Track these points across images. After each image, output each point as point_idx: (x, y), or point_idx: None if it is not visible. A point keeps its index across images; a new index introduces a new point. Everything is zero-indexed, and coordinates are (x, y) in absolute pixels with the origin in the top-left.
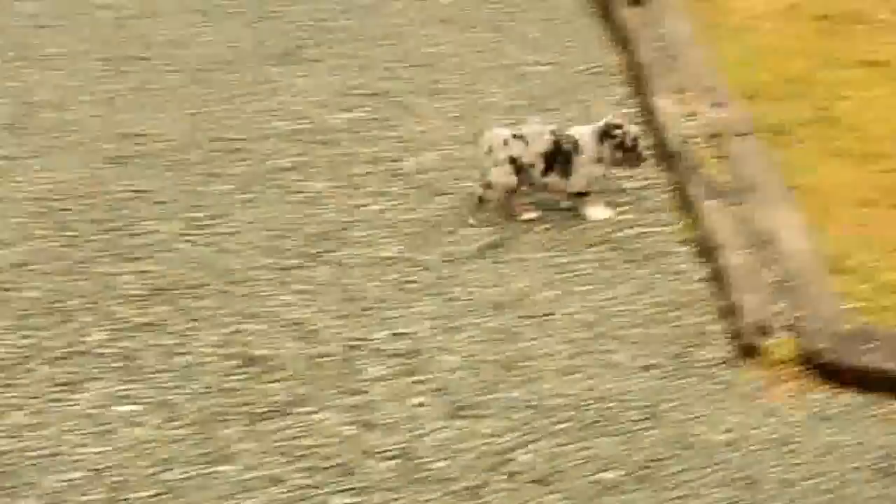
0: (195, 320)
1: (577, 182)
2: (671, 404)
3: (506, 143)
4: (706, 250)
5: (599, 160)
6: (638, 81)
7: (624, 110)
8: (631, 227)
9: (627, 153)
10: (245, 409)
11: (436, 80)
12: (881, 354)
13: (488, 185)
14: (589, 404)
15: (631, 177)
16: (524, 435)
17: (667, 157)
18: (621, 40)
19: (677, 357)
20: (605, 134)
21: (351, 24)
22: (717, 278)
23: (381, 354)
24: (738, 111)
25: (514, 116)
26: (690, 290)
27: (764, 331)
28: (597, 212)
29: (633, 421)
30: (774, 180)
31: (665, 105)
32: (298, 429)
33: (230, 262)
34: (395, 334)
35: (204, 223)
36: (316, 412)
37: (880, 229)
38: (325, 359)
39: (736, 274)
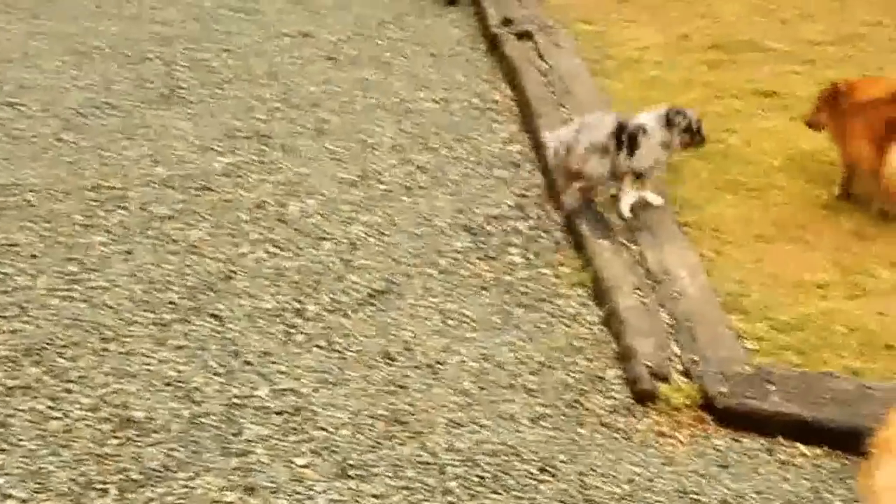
0: (69, 382)
1: (643, 160)
2: (567, 456)
3: (578, 134)
4: (600, 292)
5: (666, 145)
6: (527, 117)
7: (515, 146)
8: (523, 269)
9: (693, 136)
10: (120, 476)
11: (321, 120)
12: (780, 396)
13: (584, 179)
14: (482, 459)
15: (526, 217)
16: (414, 494)
17: (558, 195)
18: (510, 75)
19: (573, 405)
20: (670, 121)
21: (233, 63)
22: (612, 321)
23: (265, 412)
24: None
25: (402, 155)
26: (585, 333)
27: (660, 376)
28: (653, 197)
29: (528, 475)
30: (667, 218)
31: None
32: (176, 496)
33: (106, 318)
34: (278, 390)
35: (79, 277)
36: (195, 477)
37: (777, 265)
38: (206, 419)
39: (630, 316)
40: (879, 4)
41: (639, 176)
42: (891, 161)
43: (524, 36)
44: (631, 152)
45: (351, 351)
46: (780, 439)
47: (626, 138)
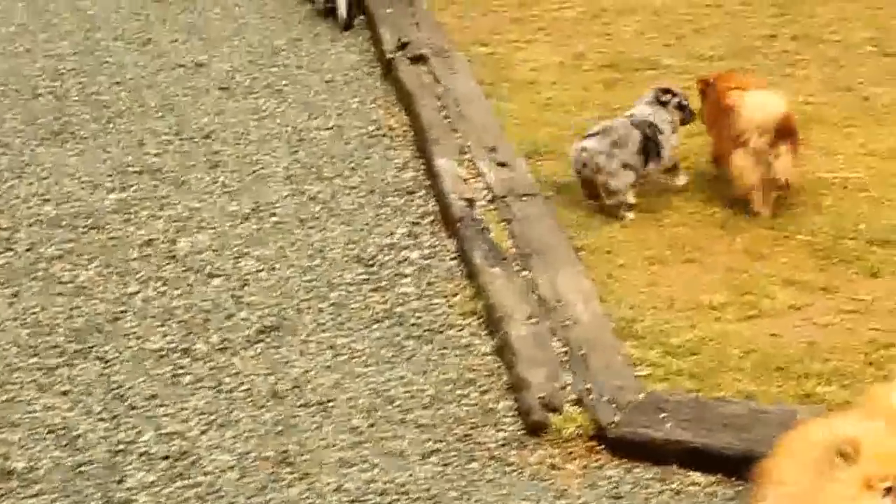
0: None
1: (669, 158)
2: (458, 492)
3: (609, 154)
4: (492, 321)
5: (673, 125)
6: (421, 142)
7: (409, 173)
8: (415, 300)
9: (684, 111)
10: None
11: (213, 152)
12: (673, 424)
13: (612, 194)
14: (370, 499)
15: (419, 246)
16: None
17: (450, 222)
18: (404, 100)
19: (464, 439)
20: (662, 102)
21: (124, 97)
22: (504, 351)
23: (149, 458)
24: (522, 170)
25: (295, 186)
26: (477, 365)
27: (552, 406)
28: (680, 178)
29: None
30: (561, 242)
31: (448, 167)
32: None
33: None
34: (164, 434)
35: None
36: None
37: (671, 288)
38: (89, 467)
39: (522, 346)
40: (773, 18)
41: (670, 169)
42: (735, 162)
43: (419, 60)
44: (659, 156)
45: (239, 391)
46: (675, 468)
47: (651, 146)
